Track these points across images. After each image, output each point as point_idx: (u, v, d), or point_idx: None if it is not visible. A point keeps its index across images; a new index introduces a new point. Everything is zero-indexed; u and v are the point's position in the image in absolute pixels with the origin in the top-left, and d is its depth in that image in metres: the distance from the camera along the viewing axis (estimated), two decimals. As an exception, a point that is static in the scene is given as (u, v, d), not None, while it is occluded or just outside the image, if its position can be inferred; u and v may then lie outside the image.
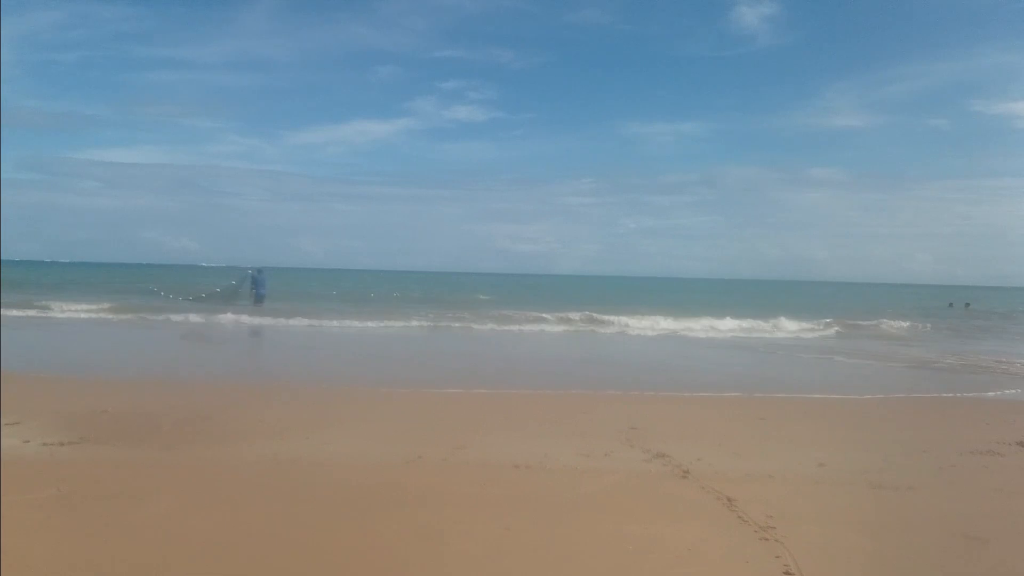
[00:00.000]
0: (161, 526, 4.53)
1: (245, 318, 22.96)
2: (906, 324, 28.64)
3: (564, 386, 11.68)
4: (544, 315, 26.09)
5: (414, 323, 23.71)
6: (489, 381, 12.14)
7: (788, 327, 25.24)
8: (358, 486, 5.51)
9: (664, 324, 25.20)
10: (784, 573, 4.02)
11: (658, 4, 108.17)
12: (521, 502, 5.18)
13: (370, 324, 22.95)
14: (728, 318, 26.08)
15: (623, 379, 13.23)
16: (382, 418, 8.27)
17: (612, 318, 25.91)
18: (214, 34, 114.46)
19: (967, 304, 43.29)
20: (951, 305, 42.85)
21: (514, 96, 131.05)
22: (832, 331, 25.49)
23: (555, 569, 4.06)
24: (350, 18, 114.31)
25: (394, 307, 29.58)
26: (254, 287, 28.87)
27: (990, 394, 12.03)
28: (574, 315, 26.46)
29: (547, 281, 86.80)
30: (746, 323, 25.36)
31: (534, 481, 5.73)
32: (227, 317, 22.59)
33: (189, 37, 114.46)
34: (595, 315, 26.37)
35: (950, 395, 12.00)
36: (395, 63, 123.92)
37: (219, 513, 4.82)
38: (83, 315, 22.94)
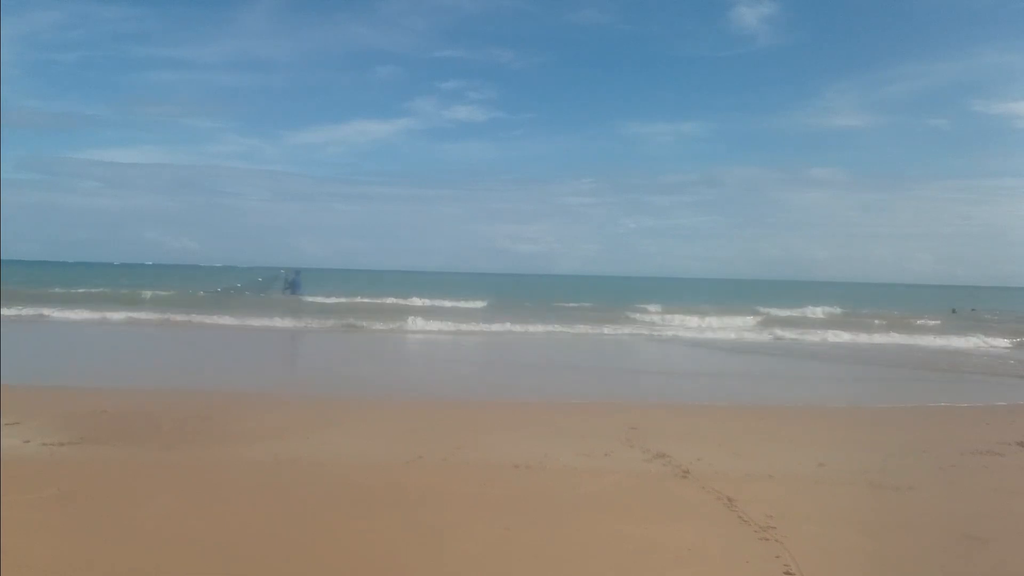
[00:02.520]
0: (161, 526, 4.53)
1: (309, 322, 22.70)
2: None
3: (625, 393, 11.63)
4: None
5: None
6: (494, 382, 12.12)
7: (993, 341, 21.77)
8: (358, 486, 5.51)
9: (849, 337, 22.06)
10: (784, 573, 4.02)
11: (658, 4, 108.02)
12: (521, 502, 5.18)
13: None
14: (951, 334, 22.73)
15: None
16: (382, 419, 8.27)
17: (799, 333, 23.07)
18: (214, 34, 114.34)
19: (972, 309, 42.57)
20: (954, 311, 42.02)
21: (514, 96, 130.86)
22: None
23: (555, 569, 4.06)
24: (350, 18, 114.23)
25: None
26: (290, 288, 28.94)
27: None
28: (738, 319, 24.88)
29: (550, 281, 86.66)
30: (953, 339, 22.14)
31: (534, 481, 5.73)
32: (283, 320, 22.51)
33: (189, 37, 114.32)
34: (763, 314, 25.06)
35: None
36: (395, 63, 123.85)
37: (219, 513, 4.82)
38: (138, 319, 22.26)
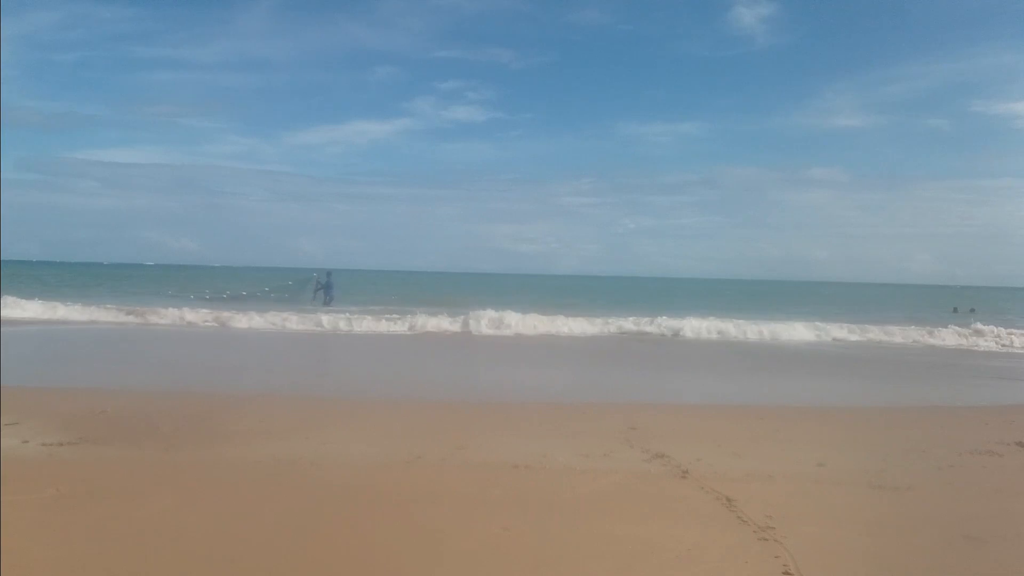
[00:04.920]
0: (161, 526, 4.53)
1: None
2: None
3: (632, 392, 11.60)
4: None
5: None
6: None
7: None
8: (358, 486, 5.51)
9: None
10: (784, 573, 4.02)
11: (657, 4, 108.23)
12: (521, 502, 5.18)
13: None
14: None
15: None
16: (382, 419, 8.27)
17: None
18: (213, 34, 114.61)
19: (972, 309, 42.28)
20: (956, 311, 41.74)
21: (513, 96, 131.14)
22: None
23: (554, 569, 4.06)
24: (349, 18, 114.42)
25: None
26: (322, 290, 28.31)
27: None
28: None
29: (551, 282, 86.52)
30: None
31: (534, 481, 5.73)
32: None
33: (189, 37, 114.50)
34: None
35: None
36: (394, 63, 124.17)
37: (219, 513, 4.82)
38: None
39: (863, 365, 16.76)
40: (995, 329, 22.64)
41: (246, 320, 21.44)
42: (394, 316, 23.42)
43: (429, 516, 4.82)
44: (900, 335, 22.56)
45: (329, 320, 21.92)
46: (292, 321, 21.56)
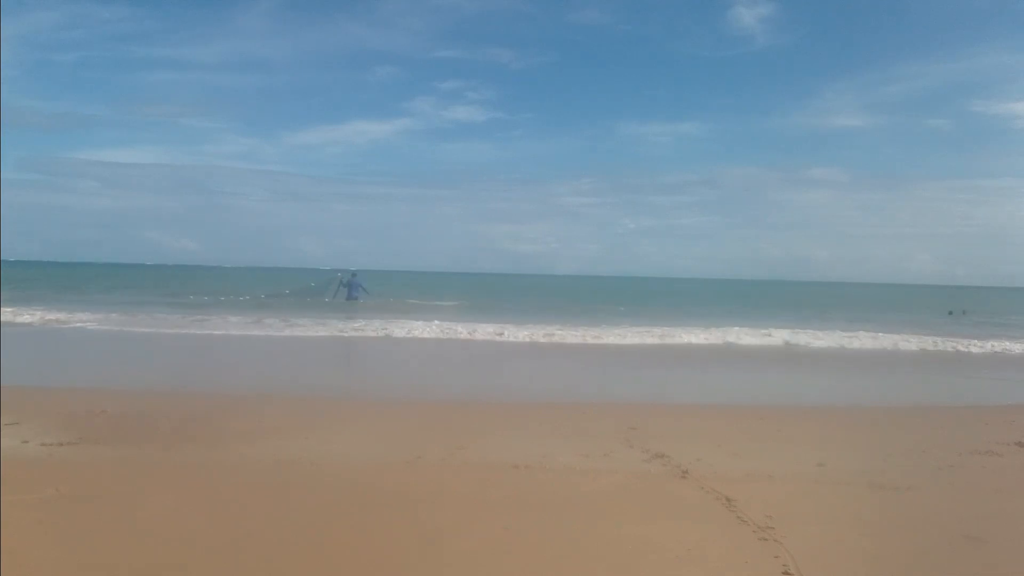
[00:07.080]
0: (161, 526, 4.53)
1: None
2: None
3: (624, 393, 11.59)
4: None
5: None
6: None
7: None
8: (358, 486, 5.51)
9: None
10: (783, 573, 4.01)
11: (657, 4, 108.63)
12: (521, 502, 5.18)
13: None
14: None
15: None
16: (382, 419, 8.27)
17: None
18: (213, 34, 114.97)
19: (964, 311, 41.94)
20: (951, 313, 41.40)
21: (513, 96, 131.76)
22: None
23: (554, 569, 4.06)
24: (349, 18, 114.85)
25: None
26: (345, 288, 27.83)
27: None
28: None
29: (550, 282, 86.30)
30: None
31: (534, 481, 5.73)
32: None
33: (188, 37, 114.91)
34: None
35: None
36: (394, 63, 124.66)
37: (219, 513, 4.82)
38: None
39: (862, 366, 16.76)
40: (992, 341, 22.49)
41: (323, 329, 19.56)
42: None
43: (429, 516, 4.82)
44: (897, 336, 22.51)
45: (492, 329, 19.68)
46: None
